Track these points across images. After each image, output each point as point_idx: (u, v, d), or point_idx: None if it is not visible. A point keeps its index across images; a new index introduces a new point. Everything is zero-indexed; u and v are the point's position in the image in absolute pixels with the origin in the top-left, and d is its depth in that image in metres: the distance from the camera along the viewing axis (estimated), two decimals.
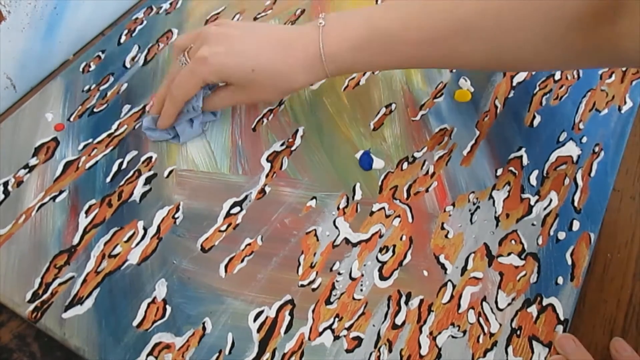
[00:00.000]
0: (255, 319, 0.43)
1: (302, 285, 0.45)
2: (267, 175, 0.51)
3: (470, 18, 0.44)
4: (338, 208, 0.49)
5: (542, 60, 0.45)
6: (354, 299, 0.44)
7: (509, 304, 0.44)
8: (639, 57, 0.39)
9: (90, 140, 0.53)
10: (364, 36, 0.46)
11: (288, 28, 0.51)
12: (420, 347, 0.42)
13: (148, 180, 0.51)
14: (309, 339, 0.42)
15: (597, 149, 0.53)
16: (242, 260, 0.46)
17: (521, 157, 0.53)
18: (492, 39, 0.44)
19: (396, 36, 0.46)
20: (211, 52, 0.47)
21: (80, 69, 0.59)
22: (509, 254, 0.46)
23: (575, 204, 0.50)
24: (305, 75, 0.48)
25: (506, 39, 0.44)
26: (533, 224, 0.48)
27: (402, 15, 0.46)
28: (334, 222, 0.48)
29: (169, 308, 0.43)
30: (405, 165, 0.52)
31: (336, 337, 0.42)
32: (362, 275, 0.45)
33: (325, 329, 0.43)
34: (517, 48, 0.44)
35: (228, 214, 0.49)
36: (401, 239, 0.47)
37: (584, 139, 0.54)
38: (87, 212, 0.48)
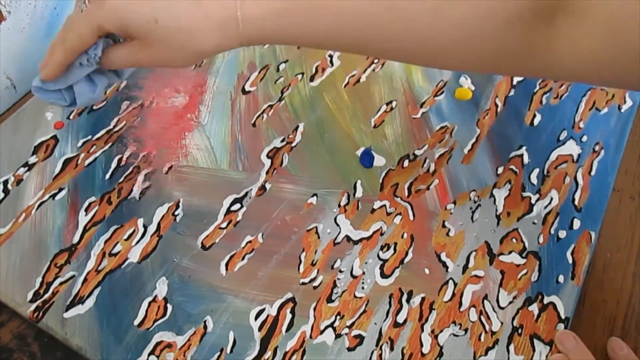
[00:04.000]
0: (256, 317, 0.43)
1: (303, 283, 0.45)
2: (267, 172, 0.51)
3: None
4: (339, 205, 0.49)
5: (471, 51, 0.41)
6: (355, 297, 0.44)
7: (510, 302, 0.44)
8: (570, 61, 0.38)
9: (89, 137, 0.53)
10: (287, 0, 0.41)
11: None
12: (422, 345, 0.42)
13: (147, 177, 0.51)
14: (311, 337, 0.42)
15: (597, 148, 0.53)
16: (243, 258, 0.46)
17: (522, 155, 0.53)
18: (427, 21, 0.40)
19: (321, 5, 0.41)
20: None
21: None
22: (510, 253, 0.47)
23: (576, 202, 0.50)
24: (217, 37, 0.42)
25: (441, 24, 0.40)
26: (534, 223, 0.48)
27: None
28: (335, 219, 0.48)
29: (169, 307, 0.43)
30: (406, 162, 0.52)
31: (338, 335, 0.42)
32: (364, 273, 0.45)
33: (326, 327, 0.43)
34: (449, 39, 0.40)
35: (228, 211, 0.49)
36: (402, 236, 0.47)
37: (584, 138, 0.54)
38: (86, 210, 0.48)
